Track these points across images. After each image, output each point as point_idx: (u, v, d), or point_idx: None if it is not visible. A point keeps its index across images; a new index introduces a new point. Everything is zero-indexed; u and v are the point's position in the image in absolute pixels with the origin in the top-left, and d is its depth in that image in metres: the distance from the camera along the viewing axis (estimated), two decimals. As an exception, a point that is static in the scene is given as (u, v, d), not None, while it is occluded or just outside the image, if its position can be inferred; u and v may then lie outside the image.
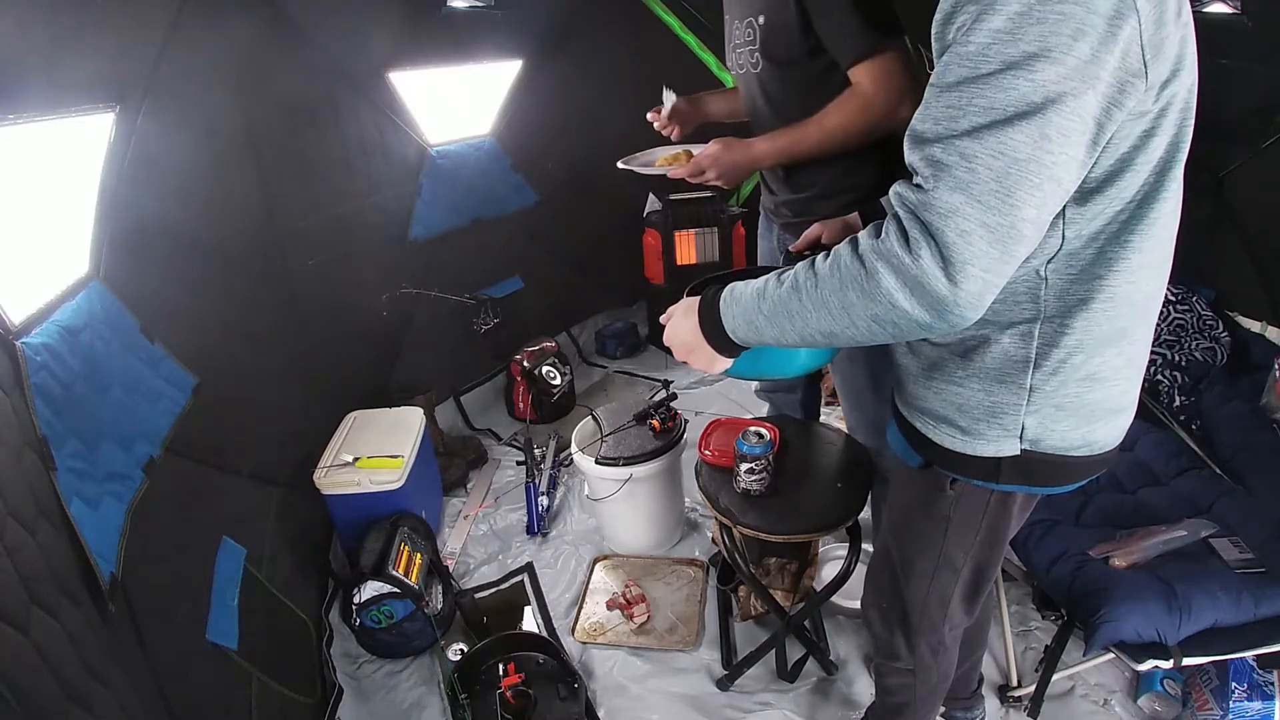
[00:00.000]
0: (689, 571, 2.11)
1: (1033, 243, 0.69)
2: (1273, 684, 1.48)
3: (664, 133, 1.63)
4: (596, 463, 2.00)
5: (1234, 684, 1.48)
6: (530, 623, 2.01)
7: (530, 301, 3.19)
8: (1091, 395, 0.86)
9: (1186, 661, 1.33)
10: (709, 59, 3.13)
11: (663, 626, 1.93)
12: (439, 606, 1.91)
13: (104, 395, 1.31)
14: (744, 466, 1.46)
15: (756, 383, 2.15)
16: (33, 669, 0.83)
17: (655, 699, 1.74)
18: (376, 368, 2.70)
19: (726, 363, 0.94)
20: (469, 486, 2.60)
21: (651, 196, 3.30)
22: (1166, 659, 1.33)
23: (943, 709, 1.52)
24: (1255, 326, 2.17)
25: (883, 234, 0.71)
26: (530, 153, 3.05)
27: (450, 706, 1.66)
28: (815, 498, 1.51)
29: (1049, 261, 0.79)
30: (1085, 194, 0.74)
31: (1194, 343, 2.16)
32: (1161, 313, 1.97)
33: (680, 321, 0.94)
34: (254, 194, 2.03)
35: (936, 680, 1.28)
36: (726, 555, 1.60)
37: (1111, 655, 1.40)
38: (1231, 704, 1.47)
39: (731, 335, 0.87)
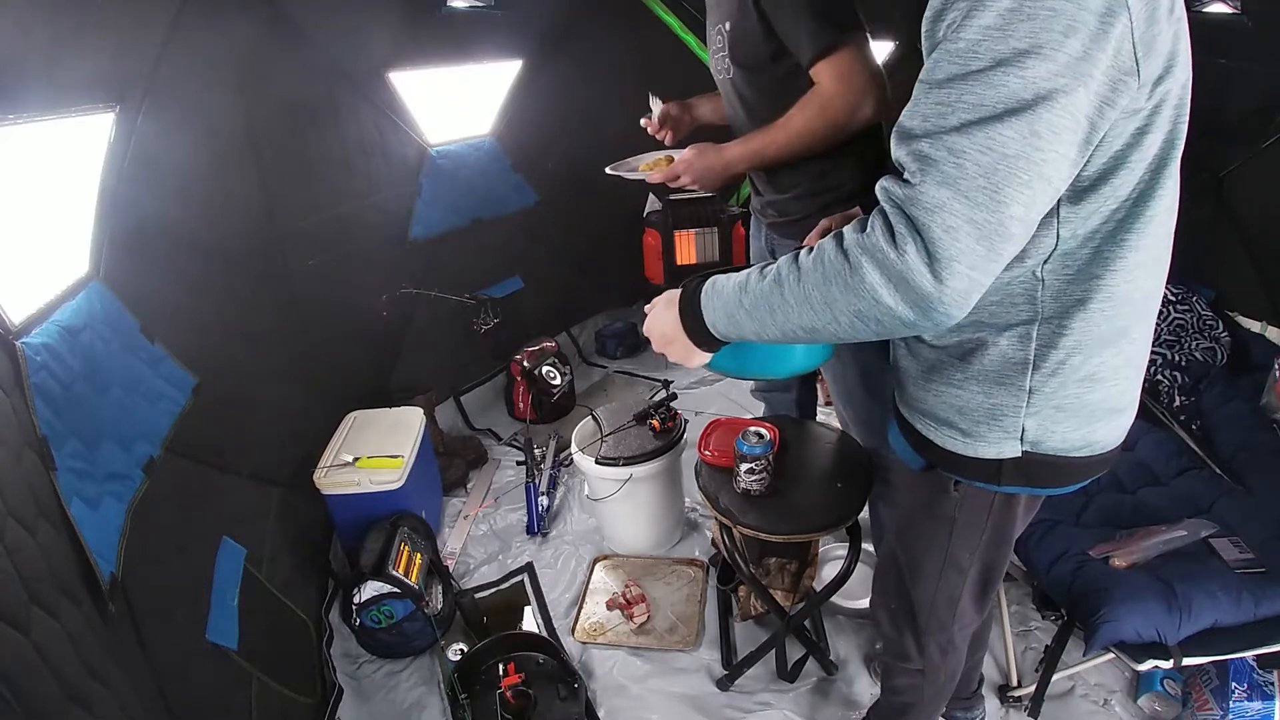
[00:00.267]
0: (689, 571, 2.11)
1: (1021, 241, 0.68)
2: (1273, 684, 1.48)
3: (657, 137, 1.64)
4: (596, 463, 2.00)
5: (1234, 684, 1.48)
6: (530, 623, 2.01)
7: (530, 301, 3.19)
8: (1091, 396, 0.86)
9: (1186, 661, 1.33)
10: (708, 59, 3.12)
11: (663, 626, 1.93)
12: (439, 606, 1.91)
13: (104, 395, 1.31)
14: (744, 466, 1.46)
15: (752, 382, 2.15)
16: (33, 669, 0.83)
17: (655, 699, 1.74)
18: (376, 368, 2.70)
19: (705, 357, 0.92)
20: (469, 486, 2.60)
21: (651, 196, 3.30)
22: (1166, 659, 1.33)
23: (943, 709, 1.52)
24: (1255, 326, 2.17)
25: (868, 228, 0.69)
26: (530, 153, 3.05)
27: (450, 706, 1.66)
28: (815, 498, 1.51)
29: (1045, 262, 0.79)
30: (1079, 192, 0.74)
31: (1194, 343, 2.16)
32: (1161, 313, 1.97)
33: (661, 312, 0.93)
34: (254, 194, 2.03)
35: (944, 680, 1.28)
36: (726, 555, 1.60)
37: (1111, 655, 1.40)
38: (1231, 704, 1.47)
39: (711, 329, 0.86)
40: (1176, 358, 2.14)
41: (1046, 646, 1.65)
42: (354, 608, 1.78)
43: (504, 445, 2.86)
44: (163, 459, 1.42)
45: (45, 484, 1.07)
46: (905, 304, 0.67)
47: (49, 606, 0.92)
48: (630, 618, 1.92)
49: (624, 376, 3.37)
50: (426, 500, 2.26)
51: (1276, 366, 1.93)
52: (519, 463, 2.53)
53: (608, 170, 1.63)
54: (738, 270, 0.84)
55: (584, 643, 1.91)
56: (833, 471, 1.58)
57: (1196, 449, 1.86)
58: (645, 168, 1.56)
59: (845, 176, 1.42)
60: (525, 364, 2.90)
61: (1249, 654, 1.37)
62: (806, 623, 1.81)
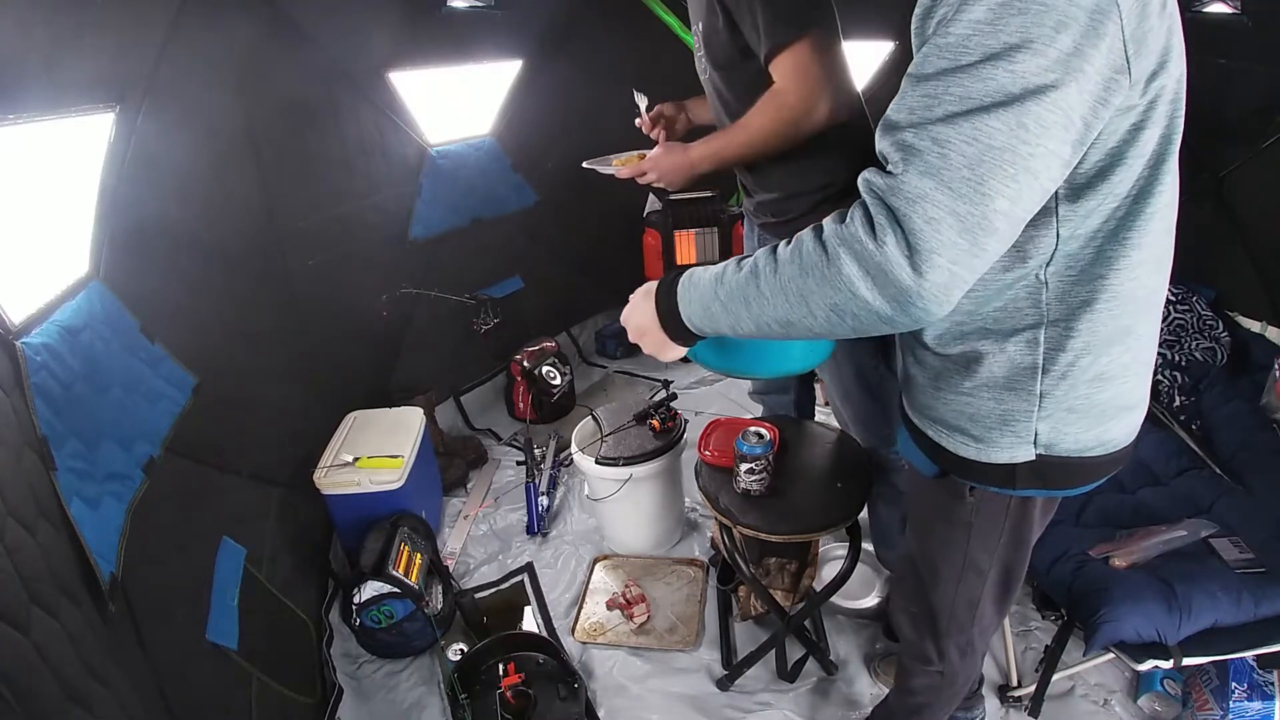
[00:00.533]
0: (689, 571, 2.11)
1: (1005, 238, 0.66)
2: (1273, 684, 1.48)
3: (651, 136, 1.64)
4: (596, 463, 2.00)
5: (1234, 684, 1.48)
6: (530, 623, 2.01)
7: (530, 301, 3.19)
8: (1102, 395, 0.85)
9: (1186, 661, 1.34)
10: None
11: (663, 626, 1.93)
12: (439, 606, 1.91)
13: (104, 395, 1.31)
14: (744, 467, 1.46)
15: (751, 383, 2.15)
16: (33, 669, 0.83)
17: (655, 699, 1.74)
18: (376, 368, 2.70)
19: (679, 350, 0.91)
20: (469, 486, 2.60)
21: (651, 196, 3.29)
22: (1166, 659, 1.34)
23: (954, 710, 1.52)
24: (1255, 326, 2.17)
25: (847, 219, 0.67)
26: (530, 153, 3.05)
27: (450, 706, 1.66)
28: (815, 498, 1.51)
29: (1047, 264, 0.78)
30: (1077, 190, 0.73)
31: (1194, 343, 2.16)
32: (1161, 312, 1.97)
33: (639, 302, 0.92)
34: (254, 194, 2.03)
35: (962, 683, 1.28)
36: (726, 555, 1.60)
37: (1111, 655, 1.40)
38: (1231, 704, 1.47)
39: (687, 322, 0.85)
40: (1176, 358, 2.14)
41: (1046, 646, 1.65)
42: (354, 608, 1.78)
43: (504, 445, 2.86)
44: (163, 459, 1.42)
45: (45, 484, 1.07)
46: (883, 298, 0.65)
47: (49, 606, 0.92)
48: (630, 618, 1.92)
49: (624, 376, 3.37)
50: (426, 500, 2.26)
51: (1276, 366, 1.93)
52: (519, 463, 2.54)
53: (584, 164, 1.63)
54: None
55: (584, 643, 1.91)
56: (832, 471, 1.58)
57: (1196, 449, 1.86)
58: (619, 163, 1.57)
59: (827, 175, 1.39)
60: (525, 364, 2.90)
61: (1249, 654, 1.37)
62: (806, 623, 1.81)
